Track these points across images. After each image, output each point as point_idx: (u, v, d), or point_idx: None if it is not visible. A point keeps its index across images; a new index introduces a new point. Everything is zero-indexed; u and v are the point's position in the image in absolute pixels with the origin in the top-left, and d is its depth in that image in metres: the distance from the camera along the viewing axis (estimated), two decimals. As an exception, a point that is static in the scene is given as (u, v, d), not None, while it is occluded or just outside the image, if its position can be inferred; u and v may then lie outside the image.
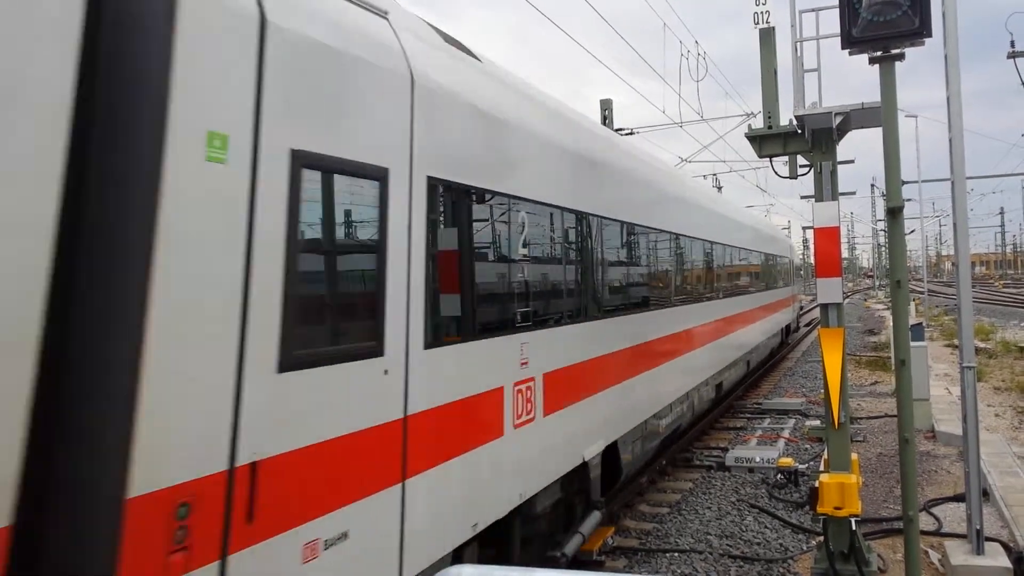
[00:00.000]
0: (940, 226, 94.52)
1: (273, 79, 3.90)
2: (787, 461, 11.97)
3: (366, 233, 4.72)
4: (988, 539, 8.48)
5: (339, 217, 4.54)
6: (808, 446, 14.25)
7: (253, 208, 3.74)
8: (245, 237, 3.69)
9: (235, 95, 3.67)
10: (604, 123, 23.25)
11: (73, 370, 2.73)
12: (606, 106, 23.64)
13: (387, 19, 5.21)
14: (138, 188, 2.93)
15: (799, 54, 8.03)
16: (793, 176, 9.21)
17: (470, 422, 5.79)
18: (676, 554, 9.30)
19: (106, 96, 2.85)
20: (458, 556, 5.63)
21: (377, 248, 4.73)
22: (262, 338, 3.78)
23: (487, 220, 6.26)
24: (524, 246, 6.83)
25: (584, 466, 8.08)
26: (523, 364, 6.68)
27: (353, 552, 4.39)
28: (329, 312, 4.42)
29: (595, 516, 8.37)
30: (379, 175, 4.71)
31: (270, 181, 3.85)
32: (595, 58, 17.93)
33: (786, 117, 8.32)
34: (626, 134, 24.03)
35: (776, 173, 9.20)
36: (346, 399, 4.37)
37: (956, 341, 9.62)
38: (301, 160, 4.06)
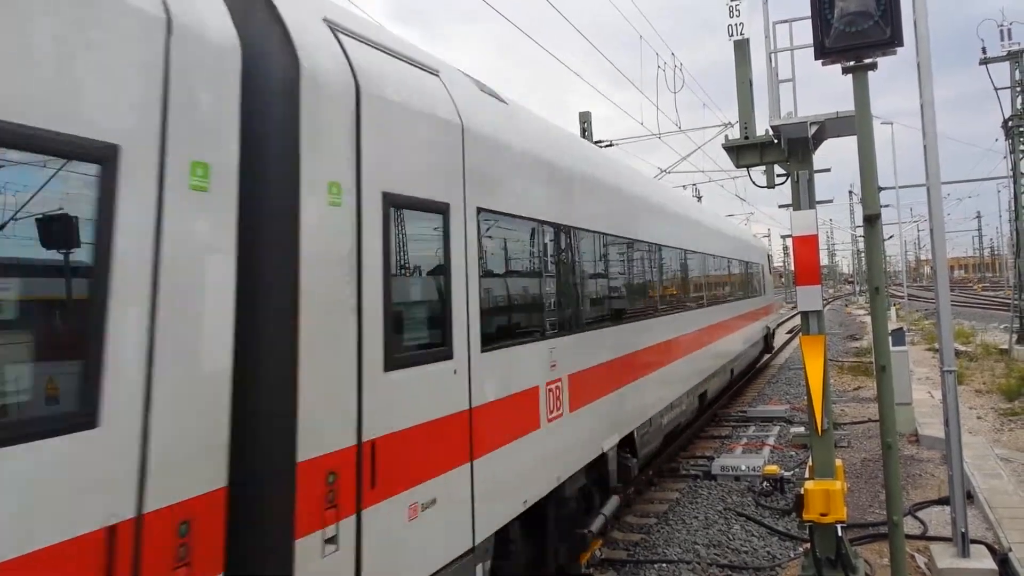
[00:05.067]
0: (918, 231, 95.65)
1: (367, 134, 4.75)
2: (773, 468, 12.00)
3: (434, 257, 5.65)
4: (973, 541, 8.54)
5: (418, 245, 5.44)
6: (793, 453, 14.30)
7: (360, 240, 4.63)
8: (355, 263, 4.58)
9: (343, 151, 4.55)
10: (584, 135, 23.36)
11: (256, 366, 3.95)
12: (585, 119, 23.76)
13: (439, 76, 6.02)
14: (275, 224, 4.17)
15: (774, 65, 8.11)
16: (770, 185, 9.29)
17: (516, 415, 6.64)
18: (664, 565, 9.29)
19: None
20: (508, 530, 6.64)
21: (443, 270, 5.68)
22: (372, 344, 4.68)
23: (520, 241, 7.19)
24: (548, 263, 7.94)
25: (603, 456, 8.93)
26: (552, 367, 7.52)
27: (441, 515, 5.38)
28: (413, 323, 5.34)
29: (614, 500, 9.30)
30: (442, 209, 5.58)
31: (370, 219, 4.73)
32: (574, 73, 18.03)
33: (762, 127, 8.40)
34: (605, 146, 24.14)
35: (754, 183, 9.26)
36: (429, 393, 5.35)
37: (937, 345, 9.70)
38: (390, 201, 4.92)
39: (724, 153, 8.74)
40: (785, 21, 8.21)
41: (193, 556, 3.51)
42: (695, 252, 15.42)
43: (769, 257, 32.01)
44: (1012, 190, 27.37)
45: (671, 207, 13.65)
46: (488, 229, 6.43)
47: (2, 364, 2.94)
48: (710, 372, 16.30)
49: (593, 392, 8.59)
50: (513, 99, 8.10)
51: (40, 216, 3.13)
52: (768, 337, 28.81)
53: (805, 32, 7.66)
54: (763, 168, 9.08)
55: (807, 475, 8.18)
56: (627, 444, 10.10)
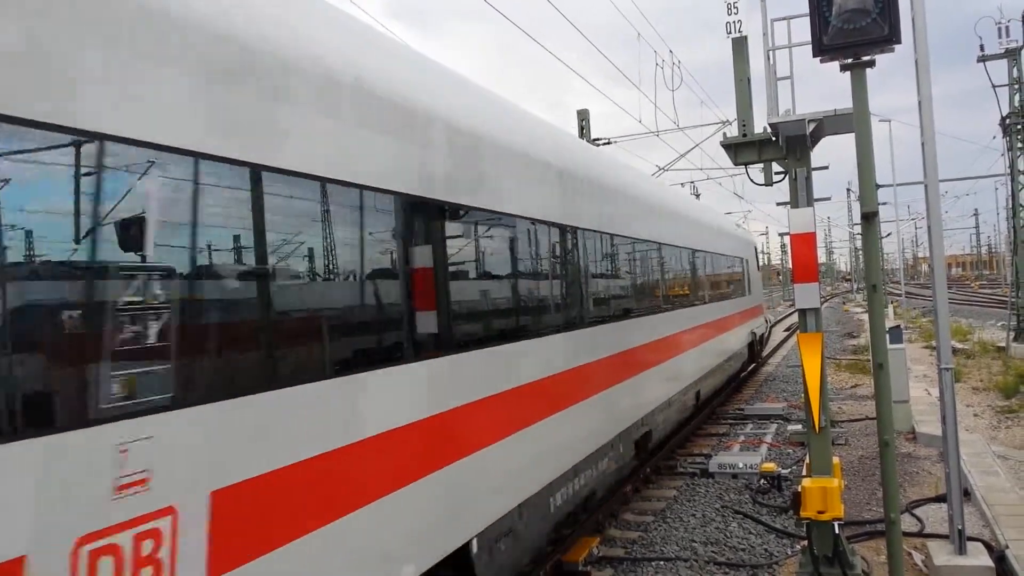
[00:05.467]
0: (916, 228, 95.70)
1: None
2: (770, 466, 12.02)
3: None
4: (970, 539, 8.54)
5: None
6: (790, 450, 14.31)
7: None
8: None
9: None
10: (581, 134, 23.38)
11: None
12: (583, 116, 23.78)
13: None
14: None
15: (772, 62, 8.11)
16: (769, 183, 9.28)
17: None
18: (662, 562, 9.29)
19: None
20: None
21: None
22: None
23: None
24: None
25: None
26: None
27: None
28: None
29: None
30: None
31: None
32: (572, 70, 18.04)
33: (761, 125, 8.40)
34: (603, 144, 24.14)
35: (752, 180, 9.26)
36: None
37: (934, 342, 9.72)
38: None
39: (722, 151, 8.74)
40: (783, 19, 8.20)
41: None
42: (635, 239, 11.55)
43: (756, 250, 27.91)
44: (1009, 187, 27.41)
45: (578, 168, 9.27)
46: None
47: None
48: (657, 404, 12.09)
49: (338, 499, 4.61)
50: None
51: None
52: (755, 344, 24.48)
53: (803, 30, 7.67)
54: (761, 166, 9.08)
55: (804, 472, 8.19)
56: (457, 562, 5.98)
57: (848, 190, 66.21)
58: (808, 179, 8.17)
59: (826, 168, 9.41)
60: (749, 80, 8.61)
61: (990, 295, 64.12)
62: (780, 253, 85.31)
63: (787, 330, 42.35)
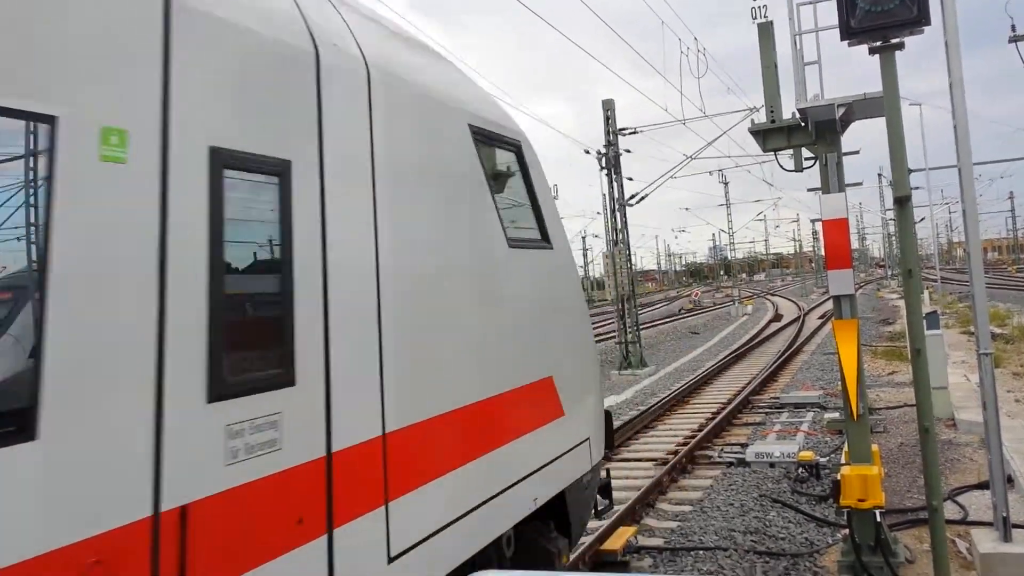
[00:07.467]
0: (950, 213, 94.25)
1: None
2: (808, 455, 11.91)
3: None
4: (1015, 526, 8.41)
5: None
6: (828, 439, 14.19)
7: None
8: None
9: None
10: (607, 124, 23.30)
11: None
12: (608, 107, 23.72)
13: None
14: None
15: (799, 47, 8.03)
16: (799, 169, 9.19)
17: None
18: (701, 552, 9.27)
19: None
20: None
21: None
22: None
23: None
24: None
25: None
26: None
27: None
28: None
29: None
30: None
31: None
32: (595, 59, 18.00)
33: (789, 111, 8.32)
34: (630, 133, 24.04)
35: (781, 167, 9.17)
36: None
37: (972, 328, 9.58)
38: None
39: (750, 138, 8.68)
40: (809, 3, 8.12)
41: None
42: None
43: (517, 149, 6.29)
44: (1047, 167, 26.89)
45: None
46: None
47: None
48: None
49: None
50: None
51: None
52: None
53: (830, 13, 7.59)
54: (791, 152, 9.00)
55: (843, 460, 8.13)
56: None
57: (880, 175, 65.36)
58: (839, 164, 8.09)
59: (857, 153, 9.29)
60: (776, 65, 8.54)
61: (1029, 277, 62.95)
62: (812, 240, 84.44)
63: (820, 318, 41.97)
